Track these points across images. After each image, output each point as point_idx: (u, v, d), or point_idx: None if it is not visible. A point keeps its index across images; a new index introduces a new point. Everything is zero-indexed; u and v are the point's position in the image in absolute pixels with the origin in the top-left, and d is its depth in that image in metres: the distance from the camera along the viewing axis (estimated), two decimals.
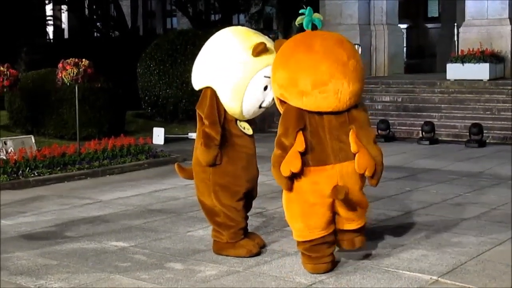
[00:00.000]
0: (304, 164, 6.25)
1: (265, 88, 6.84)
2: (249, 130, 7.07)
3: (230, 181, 6.96)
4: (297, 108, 6.29)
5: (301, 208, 6.39)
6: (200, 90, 7.02)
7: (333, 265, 6.61)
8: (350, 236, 6.64)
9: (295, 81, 6.21)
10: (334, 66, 6.17)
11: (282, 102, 6.48)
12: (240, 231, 7.09)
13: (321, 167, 6.27)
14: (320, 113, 6.30)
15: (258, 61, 6.75)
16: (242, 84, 6.77)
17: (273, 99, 6.91)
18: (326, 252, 6.52)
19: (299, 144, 6.22)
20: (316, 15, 6.75)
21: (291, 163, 6.20)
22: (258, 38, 6.90)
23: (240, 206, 7.05)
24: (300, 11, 6.82)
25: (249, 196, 7.18)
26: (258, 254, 7.07)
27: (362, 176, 6.40)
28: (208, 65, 6.93)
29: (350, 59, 6.26)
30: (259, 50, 6.70)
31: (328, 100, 6.20)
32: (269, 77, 6.76)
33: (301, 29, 6.83)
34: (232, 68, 6.75)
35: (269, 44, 6.88)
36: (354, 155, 6.31)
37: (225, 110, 6.89)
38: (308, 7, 6.84)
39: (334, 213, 6.50)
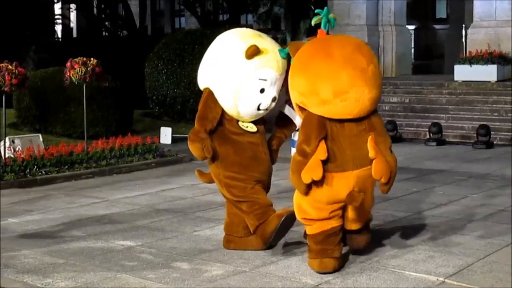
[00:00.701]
0: (324, 170, 6.26)
1: (262, 90, 6.84)
2: (252, 128, 7.06)
3: (238, 171, 6.97)
4: (318, 116, 6.27)
5: (315, 207, 6.43)
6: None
7: (340, 265, 6.61)
8: (355, 235, 6.75)
9: (315, 90, 6.19)
10: (354, 73, 6.16)
11: (301, 108, 6.45)
12: (269, 207, 7.03)
13: (340, 174, 6.29)
14: (340, 121, 6.30)
15: (251, 63, 6.76)
16: (235, 87, 6.80)
17: (271, 101, 6.92)
18: (335, 248, 6.53)
19: (322, 152, 6.21)
20: (331, 15, 6.80)
21: (313, 171, 6.21)
22: (256, 40, 6.87)
23: (259, 188, 7.06)
24: (316, 11, 6.85)
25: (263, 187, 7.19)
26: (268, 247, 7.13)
27: (374, 181, 6.45)
28: (208, 66, 7.03)
29: (369, 65, 6.28)
30: (250, 53, 6.70)
31: (350, 108, 6.20)
32: (265, 80, 6.80)
33: (309, 29, 6.88)
34: (226, 70, 6.81)
35: (271, 46, 6.89)
36: (371, 161, 6.33)
37: (223, 110, 6.94)
38: (326, 7, 6.87)
39: (344, 211, 6.56)
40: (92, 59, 13.33)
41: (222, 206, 9.29)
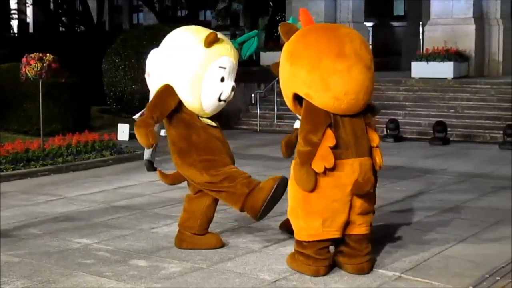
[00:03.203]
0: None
1: (222, 79, 6.86)
2: (212, 123, 7.05)
3: (212, 153, 6.94)
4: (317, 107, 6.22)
5: (323, 205, 6.22)
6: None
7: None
8: (359, 260, 6.44)
9: (327, 85, 6.11)
10: (364, 71, 6.18)
11: (297, 99, 6.38)
12: (252, 178, 6.99)
13: (344, 161, 6.19)
14: None
15: (211, 52, 6.76)
16: (197, 77, 6.77)
17: (231, 91, 6.95)
18: (328, 255, 6.43)
19: (330, 139, 6.13)
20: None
21: (326, 159, 6.10)
22: (209, 31, 6.88)
23: (234, 167, 7.06)
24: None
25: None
26: (222, 246, 7.14)
27: (372, 173, 6.41)
28: (164, 62, 6.92)
29: (372, 62, 6.33)
30: (210, 40, 6.70)
31: (357, 105, 6.22)
32: (224, 68, 6.82)
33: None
34: (186, 62, 6.76)
35: (222, 36, 6.91)
36: (369, 151, 6.36)
37: (183, 104, 6.90)
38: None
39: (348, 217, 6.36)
40: (48, 54, 13.19)
41: (180, 203, 9.26)
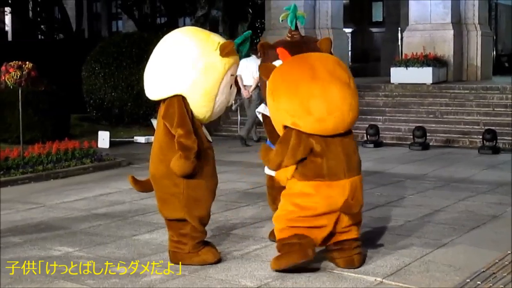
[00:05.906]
0: (320, 177, 6.34)
1: (230, 86, 6.83)
2: (209, 137, 6.91)
3: (203, 193, 6.78)
4: (301, 134, 6.32)
5: (308, 220, 6.43)
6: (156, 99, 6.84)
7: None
8: (349, 253, 6.65)
9: (308, 110, 6.25)
10: (343, 89, 6.33)
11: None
12: (202, 241, 6.90)
13: (336, 182, 6.38)
14: None
15: (226, 61, 6.64)
16: (213, 87, 6.64)
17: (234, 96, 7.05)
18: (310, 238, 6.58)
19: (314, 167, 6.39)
20: (299, 12, 7.00)
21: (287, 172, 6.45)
22: (217, 37, 6.78)
23: (208, 218, 6.94)
24: (285, 8, 6.96)
25: None
26: (220, 260, 6.97)
27: (362, 190, 6.63)
28: (172, 72, 6.59)
29: (350, 78, 6.45)
30: (228, 51, 6.62)
31: (344, 122, 6.37)
32: (233, 75, 6.79)
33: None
34: (202, 71, 6.55)
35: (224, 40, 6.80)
36: (359, 169, 6.56)
37: (193, 117, 6.68)
38: (293, 4, 6.95)
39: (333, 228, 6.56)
40: (27, 62, 13.19)
41: None
